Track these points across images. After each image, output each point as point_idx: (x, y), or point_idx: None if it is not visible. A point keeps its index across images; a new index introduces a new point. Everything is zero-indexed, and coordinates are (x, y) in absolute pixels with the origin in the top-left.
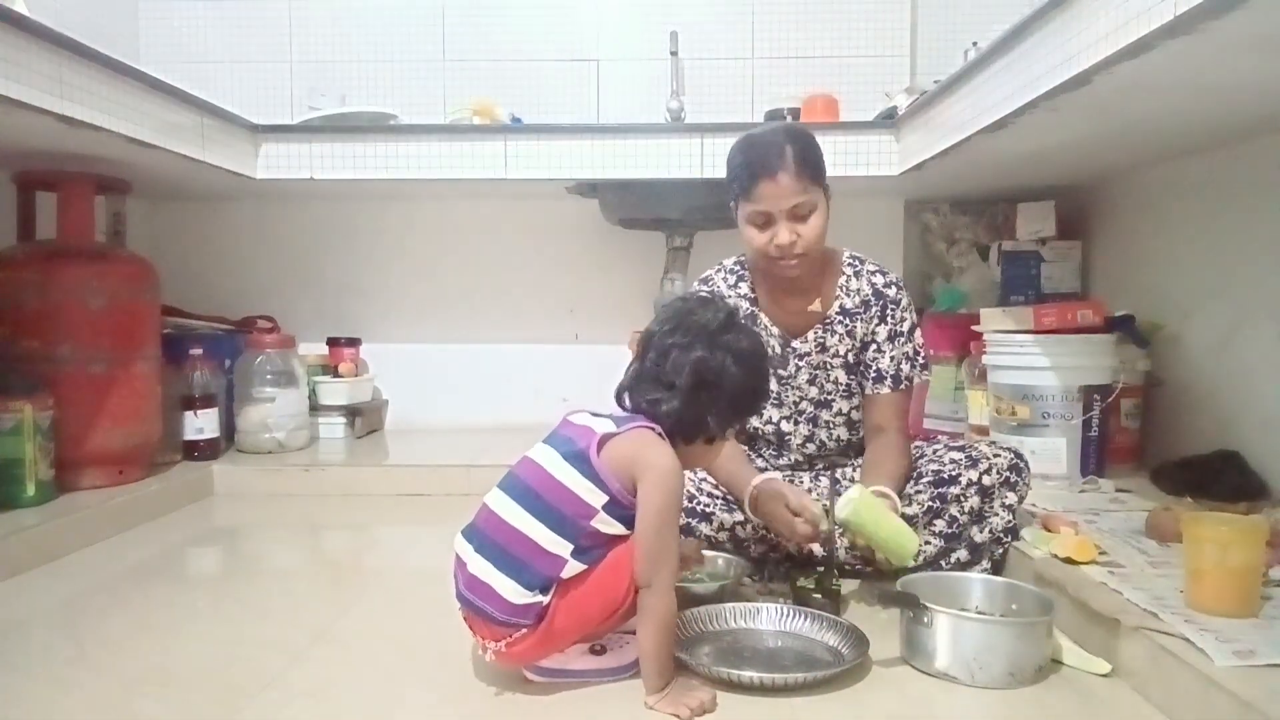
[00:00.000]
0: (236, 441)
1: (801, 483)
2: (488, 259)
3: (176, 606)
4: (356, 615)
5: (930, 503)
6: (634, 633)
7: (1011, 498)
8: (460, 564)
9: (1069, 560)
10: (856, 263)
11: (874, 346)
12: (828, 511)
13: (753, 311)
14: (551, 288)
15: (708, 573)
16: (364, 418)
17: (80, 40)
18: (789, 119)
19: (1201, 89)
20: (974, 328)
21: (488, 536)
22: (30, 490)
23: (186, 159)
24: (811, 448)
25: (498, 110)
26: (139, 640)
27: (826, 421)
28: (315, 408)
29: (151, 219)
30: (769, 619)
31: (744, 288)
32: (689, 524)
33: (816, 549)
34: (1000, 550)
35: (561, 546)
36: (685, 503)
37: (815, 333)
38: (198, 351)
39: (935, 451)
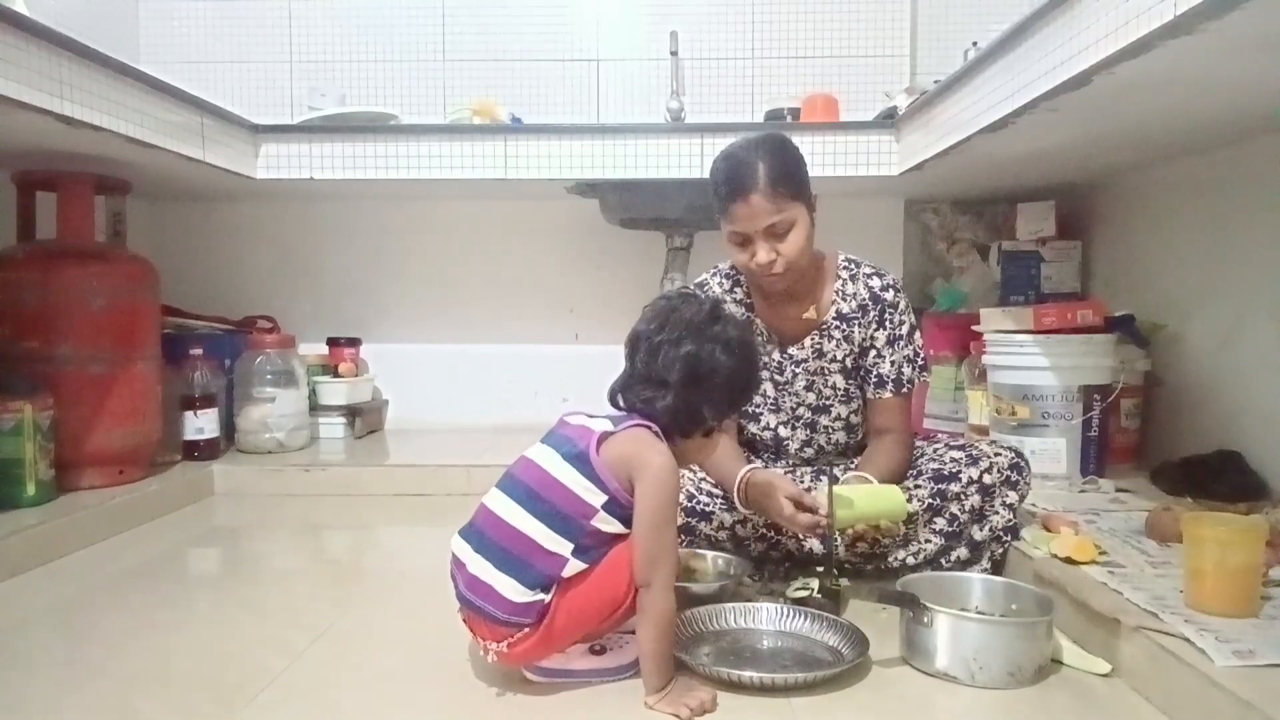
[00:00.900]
0: (236, 441)
1: (802, 481)
2: (488, 259)
3: (176, 606)
4: (356, 615)
5: (931, 499)
6: (634, 632)
7: (1012, 496)
8: (459, 565)
9: (1069, 560)
10: (852, 265)
11: (873, 351)
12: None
13: (748, 317)
14: (551, 288)
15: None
16: (364, 418)
17: (80, 40)
18: (789, 119)
19: (1202, 89)
20: (974, 328)
21: (488, 537)
22: (30, 490)
23: (186, 159)
24: (809, 452)
25: (498, 110)
26: (139, 640)
27: (825, 427)
28: (315, 408)
29: (151, 219)
30: (769, 619)
31: (739, 292)
32: (689, 523)
33: (816, 546)
34: (1000, 549)
35: (562, 545)
36: (685, 502)
37: (812, 339)
38: (198, 351)
39: (935, 450)
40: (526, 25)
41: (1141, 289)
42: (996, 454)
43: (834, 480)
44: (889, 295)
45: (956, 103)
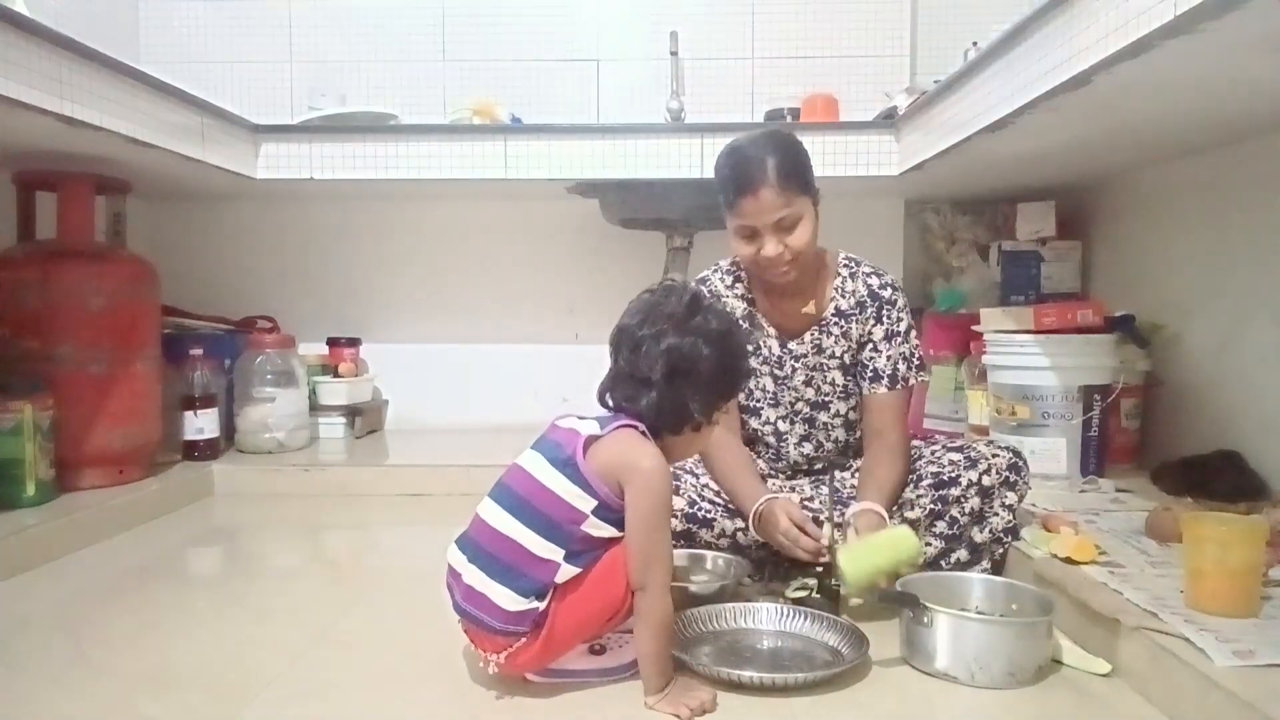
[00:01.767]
0: (236, 441)
1: (802, 491)
2: (488, 259)
3: (176, 607)
4: (356, 615)
5: (932, 505)
6: (633, 632)
7: (1011, 497)
8: (455, 575)
9: (1069, 560)
10: (852, 264)
11: (870, 346)
12: (828, 522)
13: (750, 312)
14: (551, 288)
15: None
16: (364, 418)
17: (80, 40)
18: (789, 119)
19: (1201, 89)
20: (974, 328)
21: (481, 546)
22: (30, 490)
23: (186, 159)
24: (809, 448)
25: (498, 110)
26: (139, 640)
27: (824, 423)
28: (315, 408)
29: (151, 219)
30: (769, 619)
31: (740, 288)
32: (689, 529)
33: None
34: (1000, 550)
35: (554, 552)
36: (686, 508)
37: (811, 334)
38: (198, 351)
39: (934, 453)
40: (526, 25)
41: (1141, 289)
42: (995, 455)
43: (835, 491)
44: (887, 293)
45: (956, 103)
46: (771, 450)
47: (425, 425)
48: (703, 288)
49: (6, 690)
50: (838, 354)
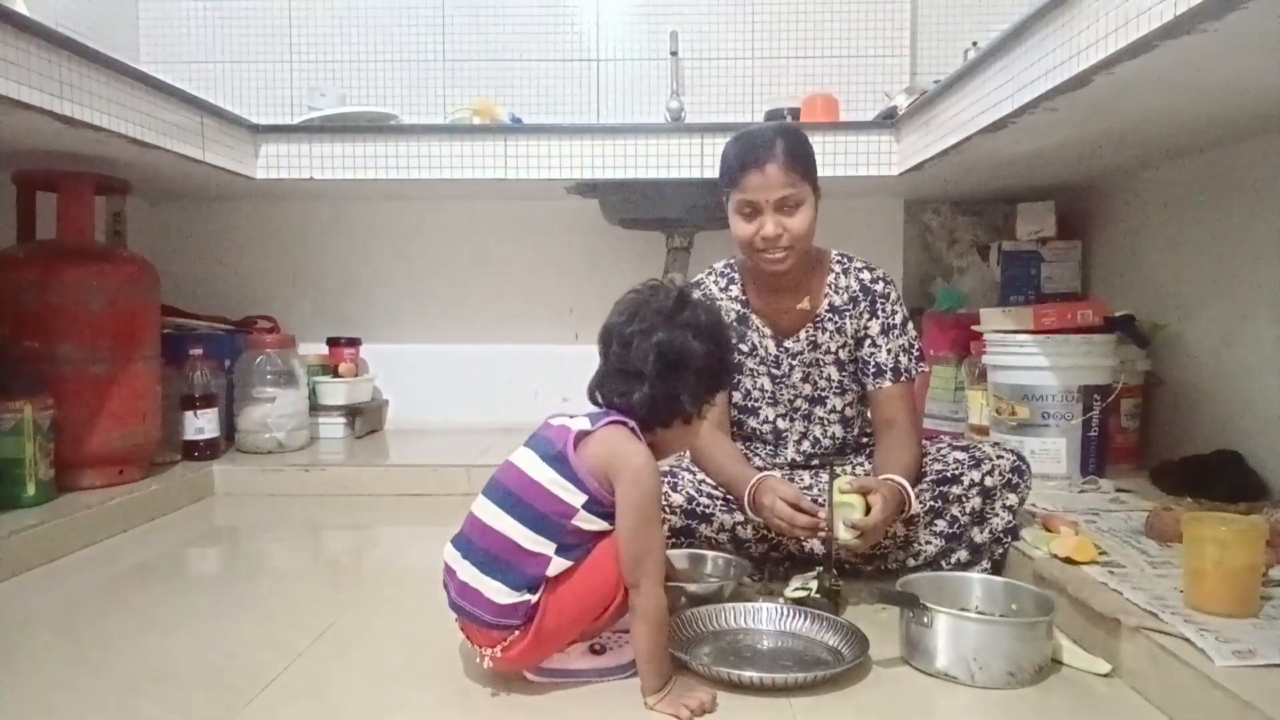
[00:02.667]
0: (236, 441)
1: (801, 480)
2: (488, 259)
3: (176, 606)
4: (356, 615)
5: (932, 501)
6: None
7: (1012, 499)
8: (450, 572)
9: (1069, 560)
10: (844, 260)
11: (869, 341)
12: (825, 503)
13: (744, 313)
14: (551, 288)
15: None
16: (364, 418)
17: (80, 40)
18: (789, 119)
19: (1201, 89)
20: (974, 328)
21: (474, 542)
22: (30, 490)
23: (186, 159)
24: (807, 445)
25: (498, 110)
26: (138, 640)
27: (821, 418)
28: (315, 408)
29: (151, 219)
30: (769, 619)
31: (734, 290)
32: (689, 525)
33: (817, 546)
34: (1000, 550)
35: (545, 546)
36: (685, 504)
37: (806, 331)
38: (198, 351)
39: (939, 450)
40: (526, 25)
41: (1141, 289)
42: (999, 456)
43: (834, 476)
44: (879, 287)
45: (956, 103)
46: (770, 449)
47: (425, 425)
48: (696, 291)
49: (6, 690)
50: (833, 349)
